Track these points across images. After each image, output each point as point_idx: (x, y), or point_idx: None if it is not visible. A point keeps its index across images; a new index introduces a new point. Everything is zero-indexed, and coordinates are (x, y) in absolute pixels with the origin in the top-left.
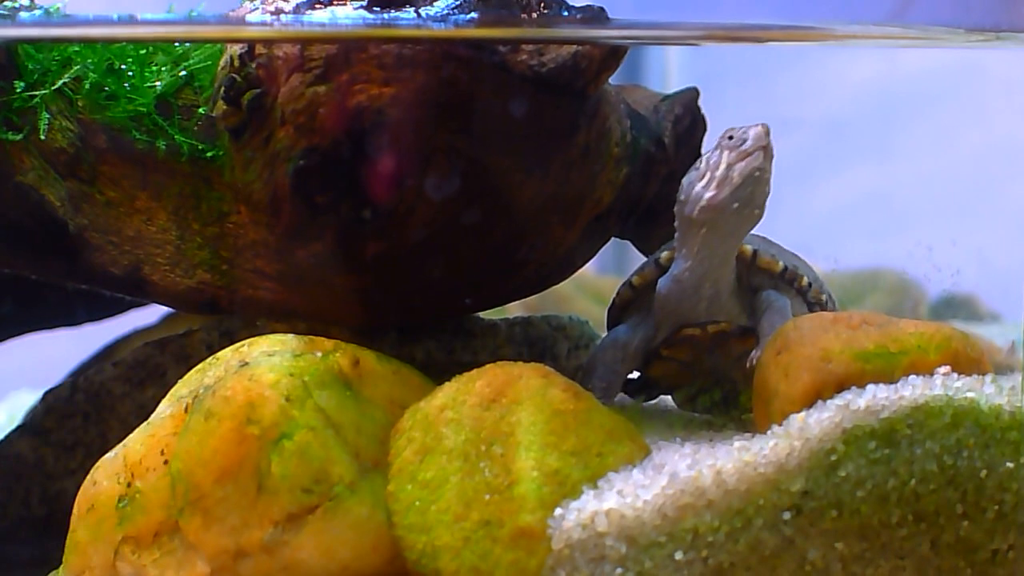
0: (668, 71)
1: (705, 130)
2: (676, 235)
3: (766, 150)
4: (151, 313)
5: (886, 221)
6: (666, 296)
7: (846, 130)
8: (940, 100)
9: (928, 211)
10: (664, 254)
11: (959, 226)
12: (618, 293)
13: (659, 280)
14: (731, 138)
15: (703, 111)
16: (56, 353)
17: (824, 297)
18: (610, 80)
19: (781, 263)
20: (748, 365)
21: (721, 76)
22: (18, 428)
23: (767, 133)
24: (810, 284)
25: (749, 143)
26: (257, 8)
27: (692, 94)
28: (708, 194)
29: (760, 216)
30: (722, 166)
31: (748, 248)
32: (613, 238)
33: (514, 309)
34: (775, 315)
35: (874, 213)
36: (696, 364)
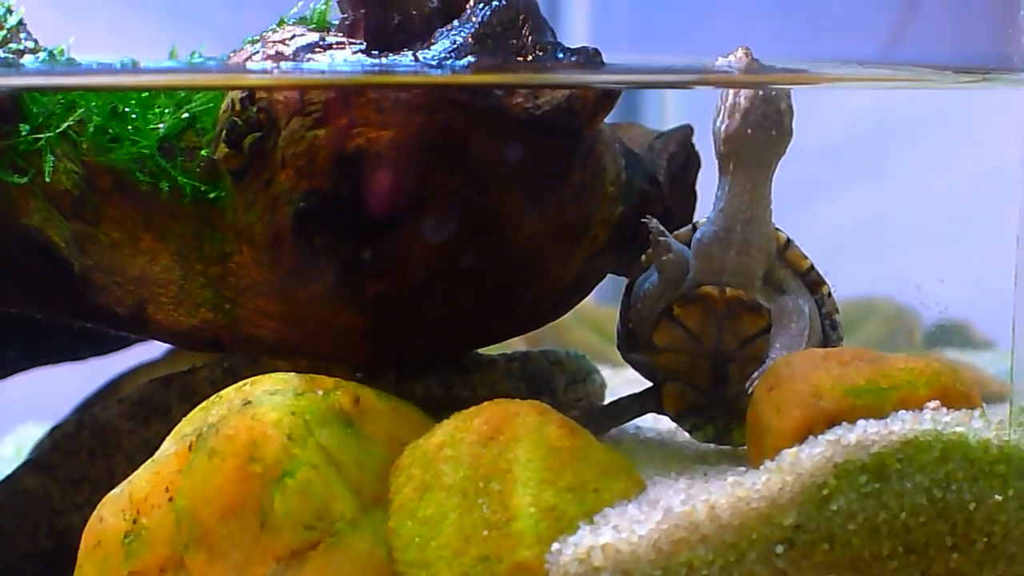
0: (665, 103)
1: (699, 167)
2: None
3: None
4: (155, 348)
5: (880, 248)
6: (699, 240)
7: (842, 157)
8: (933, 125)
9: (922, 237)
10: (700, 220)
11: (953, 252)
12: (647, 253)
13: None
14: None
15: (697, 148)
16: (60, 386)
17: (838, 318)
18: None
19: (809, 261)
20: (747, 388)
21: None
22: (26, 463)
23: (748, 53)
24: (829, 294)
25: (736, 68)
26: (258, 52)
27: (686, 131)
28: (723, 125)
29: (783, 137)
30: (730, 96)
31: (783, 235)
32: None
33: (513, 340)
34: (788, 339)
35: (868, 240)
36: (702, 340)
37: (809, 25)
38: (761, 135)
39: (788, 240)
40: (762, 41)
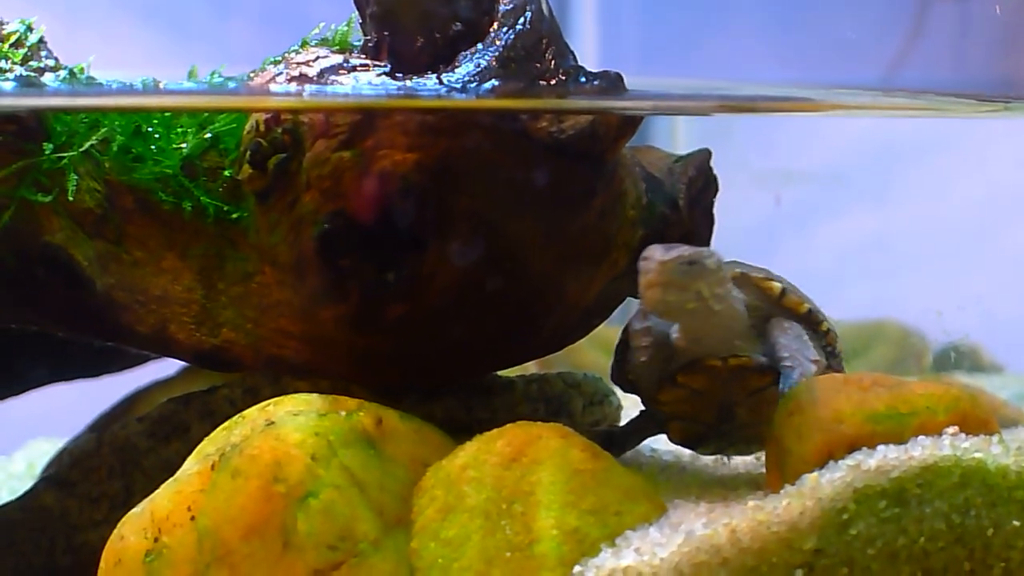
0: (675, 124)
1: (717, 191)
2: None
3: (654, 272)
4: (169, 365)
5: (886, 270)
6: (673, 338)
7: (846, 179)
8: (940, 147)
9: (930, 260)
10: None
11: (961, 275)
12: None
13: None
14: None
15: (715, 171)
16: (70, 401)
17: (839, 348)
18: None
19: (807, 305)
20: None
21: (727, 130)
22: (43, 480)
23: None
24: (829, 330)
25: (642, 270)
26: (282, 72)
27: (705, 155)
28: (642, 292)
29: (710, 313)
30: (643, 267)
31: (777, 286)
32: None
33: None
34: (792, 340)
35: (874, 262)
36: (709, 393)
37: (815, 45)
38: (682, 303)
39: (783, 289)
40: (767, 61)
